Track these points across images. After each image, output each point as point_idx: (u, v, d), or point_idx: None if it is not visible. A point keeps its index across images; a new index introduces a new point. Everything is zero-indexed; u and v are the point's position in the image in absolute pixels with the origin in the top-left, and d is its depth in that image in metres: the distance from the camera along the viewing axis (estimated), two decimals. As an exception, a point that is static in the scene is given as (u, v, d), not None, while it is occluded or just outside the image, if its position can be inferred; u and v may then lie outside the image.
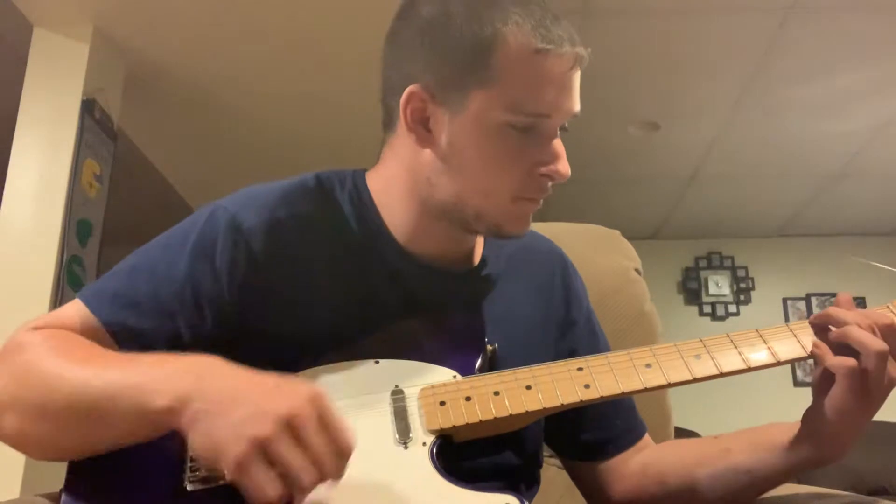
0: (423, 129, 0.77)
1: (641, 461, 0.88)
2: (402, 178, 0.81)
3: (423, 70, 0.76)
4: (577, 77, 0.76)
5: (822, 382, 0.72)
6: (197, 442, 0.59)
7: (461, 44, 0.74)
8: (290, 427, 0.57)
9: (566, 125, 0.78)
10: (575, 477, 0.93)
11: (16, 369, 0.69)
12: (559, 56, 0.73)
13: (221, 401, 0.59)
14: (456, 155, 0.76)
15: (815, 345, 0.72)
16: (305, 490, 0.57)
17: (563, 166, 0.77)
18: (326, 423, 0.59)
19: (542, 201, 0.79)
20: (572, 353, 0.88)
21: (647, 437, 0.92)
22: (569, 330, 0.91)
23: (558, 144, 0.77)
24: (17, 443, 0.69)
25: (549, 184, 0.77)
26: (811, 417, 0.74)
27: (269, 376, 0.62)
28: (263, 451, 0.56)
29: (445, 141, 0.76)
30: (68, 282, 2.50)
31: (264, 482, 0.56)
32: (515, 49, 0.72)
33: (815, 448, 0.74)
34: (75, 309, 0.75)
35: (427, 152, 0.78)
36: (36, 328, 0.73)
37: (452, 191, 0.77)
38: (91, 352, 0.70)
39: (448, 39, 0.74)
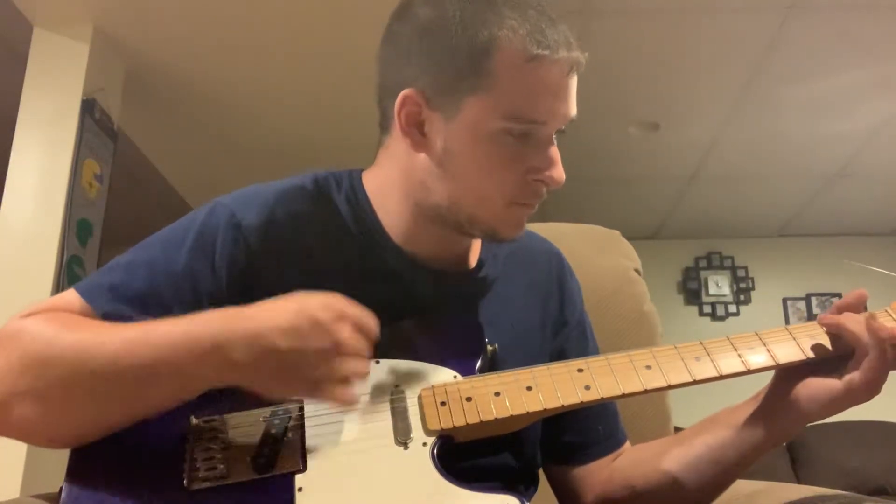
0: (417, 134, 0.77)
1: (610, 468, 0.88)
2: (398, 179, 0.81)
3: (417, 74, 0.75)
4: (573, 82, 0.75)
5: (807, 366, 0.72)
6: (264, 391, 0.67)
7: (456, 49, 0.73)
8: (333, 349, 0.64)
9: (563, 128, 0.77)
10: (550, 480, 0.92)
11: (24, 354, 0.67)
12: (554, 62, 0.72)
13: (262, 354, 0.64)
14: (450, 160, 0.76)
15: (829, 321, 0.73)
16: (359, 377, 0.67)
17: (558, 173, 0.76)
18: (351, 320, 0.66)
19: (536, 205, 0.79)
20: (561, 354, 0.88)
21: (626, 446, 0.91)
22: (560, 330, 0.91)
23: (554, 150, 0.77)
24: (32, 430, 0.68)
25: (544, 189, 0.77)
26: (774, 397, 0.75)
27: (278, 305, 0.66)
28: (316, 384, 0.65)
29: (440, 146, 0.76)
30: (68, 282, 2.50)
31: (337, 395, 0.65)
32: (510, 56, 0.72)
33: (770, 429, 0.75)
34: (71, 298, 0.74)
35: (422, 156, 0.78)
36: (29, 314, 0.72)
37: (446, 195, 0.77)
38: (104, 324, 0.70)
39: (443, 44, 0.74)
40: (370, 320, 0.68)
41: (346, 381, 0.66)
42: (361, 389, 0.73)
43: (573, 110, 0.76)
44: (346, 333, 0.65)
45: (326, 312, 0.65)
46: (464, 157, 0.75)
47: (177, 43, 2.86)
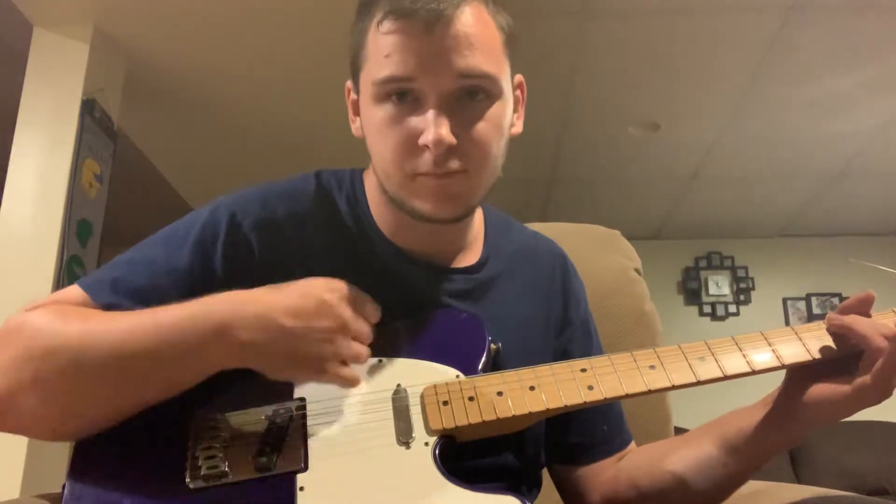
0: (358, 120, 0.81)
1: (616, 468, 0.87)
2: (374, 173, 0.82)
3: (349, 63, 0.80)
4: (446, 35, 0.71)
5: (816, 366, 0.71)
6: (269, 371, 0.69)
7: (355, 32, 0.77)
8: (338, 329, 0.69)
9: (484, 90, 0.73)
10: (556, 480, 0.92)
11: (28, 345, 0.68)
12: (408, 14, 0.70)
13: (266, 332, 0.67)
14: (367, 138, 0.79)
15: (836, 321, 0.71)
16: (361, 359, 0.72)
17: (430, 135, 0.70)
18: (354, 303, 0.71)
19: (446, 175, 0.73)
20: (565, 353, 0.88)
21: (631, 447, 0.91)
22: (564, 329, 0.91)
23: (432, 112, 0.71)
24: (36, 423, 0.68)
25: (435, 156, 0.71)
26: (784, 400, 0.73)
27: (283, 288, 0.70)
28: (322, 363, 0.69)
29: (363, 128, 0.80)
30: (68, 282, 2.50)
31: (341, 375, 0.70)
32: (374, 22, 0.73)
33: (781, 432, 0.74)
34: (74, 293, 0.75)
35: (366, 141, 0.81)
36: (32, 308, 0.72)
37: (378, 176, 0.79)
38: (109, 312, 0.71)
39: (353, 29, 0.78)
40: (371, 305, 0.74)
41: (347, 362, 0.70)
42: (362, 390, 0.74)
43: (459, 64, 0.71)
44: (349, 314, 0.70)
45: (331, 294, 0.70)
46: (368, 133, 0.78)
47: (177, 43, 2.86)
